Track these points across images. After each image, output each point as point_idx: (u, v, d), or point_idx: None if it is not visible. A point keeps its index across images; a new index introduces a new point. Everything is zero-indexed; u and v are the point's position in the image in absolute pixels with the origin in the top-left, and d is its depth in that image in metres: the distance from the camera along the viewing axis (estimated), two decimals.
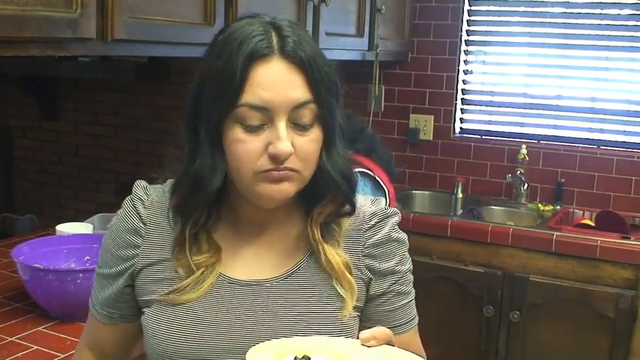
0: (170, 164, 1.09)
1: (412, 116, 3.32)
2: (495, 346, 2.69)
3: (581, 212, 3.00)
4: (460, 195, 3.11)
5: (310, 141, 0.99)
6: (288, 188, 0.99)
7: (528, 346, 2.65)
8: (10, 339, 1.55)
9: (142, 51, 1.73)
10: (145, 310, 1.06)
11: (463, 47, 3.25)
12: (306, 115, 0.98)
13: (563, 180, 3.05)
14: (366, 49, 2.78)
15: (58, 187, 3.44)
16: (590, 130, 3.08)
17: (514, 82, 3.21)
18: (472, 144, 3.24)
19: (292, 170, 0.98)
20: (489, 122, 3.28)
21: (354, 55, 2.76)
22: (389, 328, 1.09)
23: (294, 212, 1.08)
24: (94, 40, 1.44)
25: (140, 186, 1.12)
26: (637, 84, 2.98)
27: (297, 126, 0.98)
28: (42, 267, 1.64)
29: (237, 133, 0.97)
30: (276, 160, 0.96)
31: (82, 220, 2.21)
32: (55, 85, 3.34)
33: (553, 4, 3.06)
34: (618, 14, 2.97)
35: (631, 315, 2.49)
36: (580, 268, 2.55)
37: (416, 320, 1.14)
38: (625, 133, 3.02)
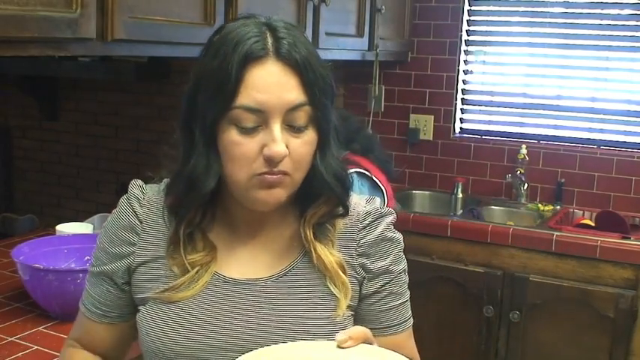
0: (166, 164, 1.09)
1: (412, 116, 3.32)
2: (495, 346, 2.69)
3: (581, 212, 3.00)
4: (460, 195, 3.12)
5: (304, 143, 0.99)
6: (280, 194, 0.99)
7: (528, 346, 2.65)
8: (10, 339, 1.55)
9: (141, 51, 1.73)
10: (140, 307, 1.06)
11: (463, 47, 3.25)
12: (301, 117, 0.98)
13: (563, 180, 3.05)
14: (366, 49, 2.78)
15: (58, 187, 3.44)
16: (590, 130, 3.08)
17: (514, 82, 3.21)
18: (472, 144, 3.24)
19: (285, 174, 0.98)
20: (489, 122, 3.28)
21: (354, 55, 2.76)
22: (381, 328, 1.10)
23: (288, 213, 1.08)
24: (94, 40, 1.44)
25: (136, 185, 1.12)
26: (637, 84, 2.98)
27: (292, 128, 0.98)
28: (42, 267, 1.64)
29: (232, 134, 0.97)
30: (271, 162, 0.96)
31: (82, 220, 2.21)
32: (55, 85, 3.34)
33: (553, 4, 3.06)
34: (618, 14, 2.97)
35: (631, 315, 2.49)
36: (580, 268, 2.55)
37: (410, 322, 1.14)
38: (625, 133, 3.02)
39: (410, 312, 1.14)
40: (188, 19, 1.75)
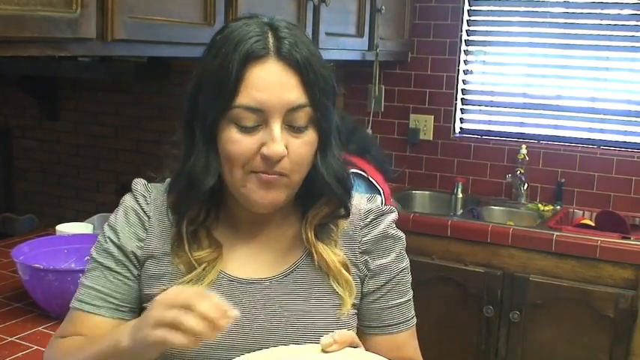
0: (168, 163, 1.10)
1: (412, 116, 3.32)
2: (495, 346, 2.69)
3: (581, 212, 3.00)
4: (460, 195, 3.12)
5: (304, 144, 0.99)
6: (276, 196, 1.00)
7: (528, 346, 2.65)
8: (10, 339, 1.55)
9: (141, 51, 1.73)
10: (145, 305, 1.06)
11: (463, 47, 3.25)
12: (301, 117, 0.98)
13: (563, 180, 3.05)
14: (366, 49, 2.78)
15: (58, 187, 3.44)
16: (590, 130, 3.08)
17: (514, 82, 3.21)
18: (472, 144, 3.24)
19: (282, 175, 0.98)
20: (489, 122, 3.28)
21: (354, 55, 2.76)
22: (382, 326, 1.10)
23: (290, 213, 1.09)
24: (94, 40, 1.44)
25: (140, 183, 1.13)
26: (637, 84, 2.98)
27: (292, 128, 0.98)
28: (42, 267, 1.64)
29: (232, 133, 0.97)
30: (269, 161, 0.96)
31: (82, 220, 2.21)
32: (55, 85, 3.34)
33: (553, 4, 3.06)
34: (618, 14, 2.97)
35: (631, 315, 2.49)
36: (580, 268, 2.55)
37: (412, 322, 1.13)
38: (625, 133, 3.02)
39: (413, 311, 1.14)
40: (188, 19, 1.75)
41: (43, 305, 1.68)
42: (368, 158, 2.09)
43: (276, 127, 0.96)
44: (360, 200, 1.12)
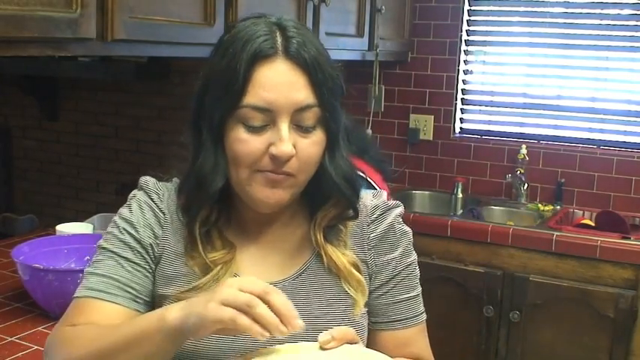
0: (175, 163, 1.09)
1: (412, 116, 3.32)
2: (495, 346, 2.69)
3: (581, 212, 3.00)
4: (460, 195, 3.11)
5: (312, 144, 0.98)
6: (282, 195, 0.99)
7: (528, 346, 2.65)
8: (10, 339, 1.55)
9: (141, 51, 1.73)
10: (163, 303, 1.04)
11: (463, 47, 3.25)
12: (310, 117, 0.97)
13: (563, 180, 3.05)
14: (366, 49, 2.78)
15: (58, 187, 3.44)
16: (590, 130, 3.08)
17: (514, 82, 3.21)
18: (472, 144, 3.24)
19: (289, 175, 0.97)
20: (489, 122, 3.28)
21: (354, 55, 2.76)
22: (389, 322, 1.09)
23: (297, 213, 1.08)
24: (94, 40, 1.44)
25: (151, 181, 1.11)
26: (637, 84, 2.98)
27: (300, 128, 0.97)
28: (42, 267, 1.64)
29: (240, 132, 0.96)
30: (277, 161, 0.96)
31: (82, 220, 2.21)
32: (55, 85, 3.34)
33: (553, 4, 3.06)
34: (618, 14, 2.97)
35: (631, 315, 2.49)
36: (580, 268, 2.55)
37: (422, 318, 1.13)
38: (625, 133, 3.02)
39: (422, 307, 1.13)
40: (188, 19, 1.75)
41: (43, 305, 1.68)
42: (366, 159, 2.09)
43: (284, 126, 0.95)
44: (366, 197, 1.11)
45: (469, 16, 3.22)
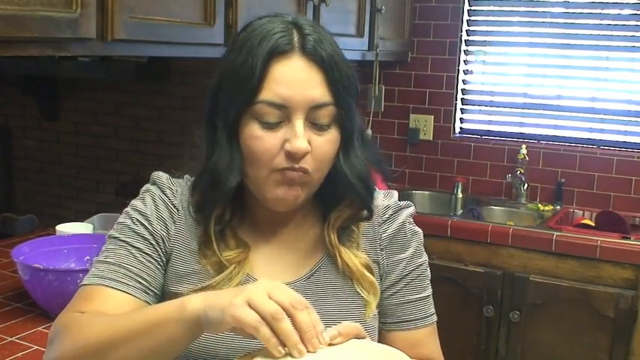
0: (185, 160, 1.08)
1: (412, 116, 3.32)
2: (495, 346, 2.69)
3: (581, 212, 3.00)
4: (460, 195, 3.12)
5: (327, 142, 0.98)
6: (298, 193, 0.99)
7: (528, 346, 2.65)
8: (10, 339, 1.55)
9: (141, 51, 1.73)
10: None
11: (463, 47, 3.25)
12: (325, 115, 0.97)
13: (563, 180, 3.05)
14: (366, 49, 2.78)
15: (58, 187, 3.45)
16: (590, 130, 3.08)
17: (514, 82, 3.21)
18: (472, 144, 3.24)
19: (305, 172, 0.97)
20: (489, 122, 3.27)
21: (354, 55, 2.76)
22: (399, 322, 1.09)
23: (309, 213, 1.08)
24: (94, 40, 1.44)
25: (164, 176, 1.10)
26: (637, 84, 2.98)
27: (315, 125, 0.97)
28: (42, 267, 1.64)
29: (254, 129, 0.96)
30: (292, 158, 0.95)
31: (82, 220, 2.21)
32: (55, 85, 3.34)
33: (553, 4, 3.06)
34: (618, 14, 2.97)
35: (631, 315, 2.49)
36: (580, 268, 2.55)
37: (432, 319, 1.13)
38: (625, 133, 3.02)
39: (432, 308, 1.13)
40: (188, 19, 1.75)
41: (43, 305, 1.68)
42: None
43: (299, 123, 0.95)
44: (378, 197, 1.11)
45: (469, 16, 3.22)
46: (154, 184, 1.09)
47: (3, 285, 1.88)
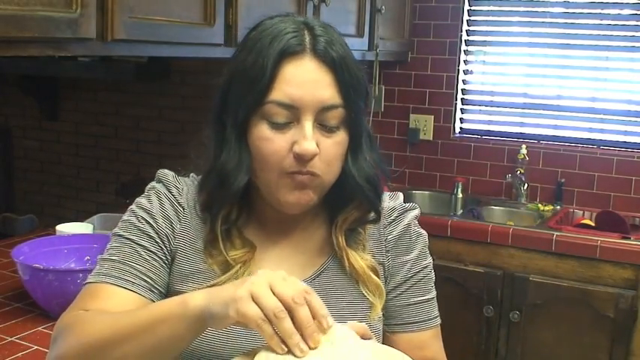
0: (192, 158, 1.08)
1: (412, 116, 3.32)
2: (495, 346, 2.69)
3: (581, 212, 3.00)
4: (460, 195, 3.12)
5: (335, 144, 0.98)
6: (311, 196, 0.98)
7: (528, 346, 2.65)
8: (10, 339, 1.55)
9: (141, 51, 1.73)
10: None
11: (463, 47, 3.25)
12: (334, 117, 0.97)
13: (563, 180, 3.05)
14: (366, 49, 2.78)
15: (58, 187, 3.45)
16: (590, 130, 3.07)
17: (514, 82, 3.21)
18: (472, 144, 3.24)
19: (314, 175, 0.97)
20: (489, 122, 3.27)
21: (354, 55, 2.76)
22: (403, 324, 1.09)
23: (317, 215, 1.08)
24: (94, 40, 1.44)
25: (170, 174, 1.10)
26: (637, 84, 2.98)
27: (324, 127, 0.97)
28: (42, 267, 1.64)
29: (263, 130, 0.96)
30: (301, 160, 0.95)
31: (82, 220, 2.21)
32: (55, 85, 3.35)
33: (553, 4, 3.06)
34: (618, 14, 2.97)
35: (631, 315, 2.49)
36: (580, 268, 2.55)
37: (436, 322, 1.13)
38: (625, 133, 3.02)
39: (436, 311, 1.13)
40: (188, 19, 1.75)
41: (43, 305, 1.68)
42: None
43: (308, 124, 0.95)
44: (383, 199, 1.11)
45: (469, 16, 3.22)
46: (159, 181, 1.09)
47: (3, 285, 1.88)
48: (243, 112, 0.97)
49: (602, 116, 3.05)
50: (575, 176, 3.05)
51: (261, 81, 0.94)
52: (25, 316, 1.68)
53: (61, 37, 1.37)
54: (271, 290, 0.79)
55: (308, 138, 0.94)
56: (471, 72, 3.28)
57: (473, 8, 3.21)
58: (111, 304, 0.97)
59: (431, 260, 1.14)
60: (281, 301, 0.78)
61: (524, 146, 3.08)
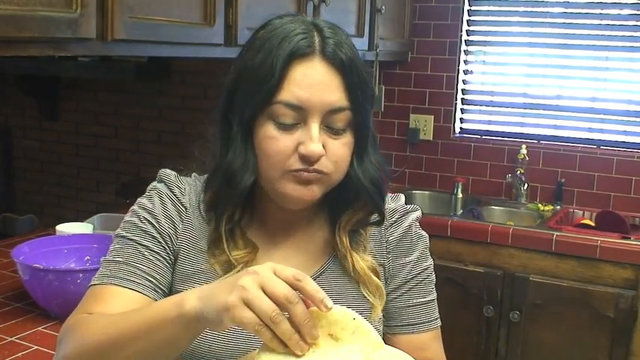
0: (195, 157, 1.07)
1: (412, 116, 3.32)
2: (495, 346, 2.69)
3: (581, 212, 3.00)
4: (460, 195, 3.12)
5: (342, 145, 0.98)
6: (315, 191, 0.98)
7: (528, 346, 2.65)
8: (10, 339, 1.55)
9: (141, 51, 1.73)
10: None
11: (463, 47, 3.25)
12: (341, 119, 0.97)
13: (563, 180, 3.05)
14: (366, 49, 2.78)
15: (58, 187, 3.45)
16: (590, 130, 3.08)
17: (514, 82, 3.21)
18: (472, 144, 3.24)
19: (321, 173, 0.97)
20: (489, 122, 3.28)
21: None
22: (403, 325, 1.09)
23: (317, 215, 1.08)
24: (94, 40, 1.45)
25: (172, 174, 1.09)
26: (637, 84, 2.98)
27: (330, 129, 0.97)
28: (42, 267, 1.64)
29: (270, 129, 0.96)
30: (306, 160, 0.95)
31: (82, 220, 2.21)
32: (55, 85, 3.35)
33: (553, 4, 3.06)
34: (618, 14, 2.97)
35: (631, 315, 2.49)
36: (580, 268, 2.55)
37: (436, 323, 1.13)
38: (625, 133, 3.02)
39: (437, 313, 1.13)
40: (188, 19, 1.75)
41: (43, 305, 1.68)
42: None
43: (315, 126, 0.95)
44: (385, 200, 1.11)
45: (469, 16, 3.22)
46: (161, 181, 1.09)
47: (3, 285, 1.88)
48: (250, 112, 0.97)
49: (602, 116, 3.05)
50: (575, 176, 3.05)
51: (270, 81, 0.94)
52: (25, 316, 1.68)
53: (61, 37, 1.37)
54: (263, 291, 0.78)
55: (314, 140, 0.95)
56: (471, 72, 3.28)
57: (473, 8, 3.21)
58: (116, 305, 0.96)
59: (431, 262, 1.14)
60: (274, 301, 0.77)
61: (524, 146, 3.08)
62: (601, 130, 3.06)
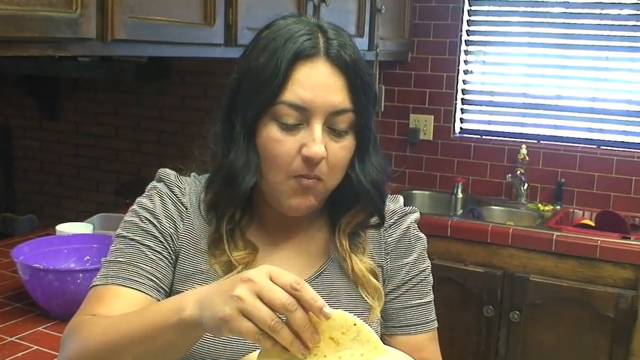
0: (195, 156, 1.07)
1: (412, 116, 3.32)
2: (495, 346, 2.69)
3: (581, 212, 3.00)
4: (460, 195, 3.12)
5: (343, 148, 0.98)
6: (312, 201, 0.99)
7: (528, 346, 2.65)
8: (10, 339, 1.55)
9: (141, 51, 1.73)
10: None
11: (463, 47, 3.25)
12: (343, 121, 0.97)
13: (563, 180, 3.05)
14: (366, 49, 2.78)
15: (58, 187, 3.45)
16: (590, 130, 3.07)
17: (514, 82, 3.21)
18: (472, 144, 3.24)
19: (319, 179, 0.97)
20: (489, 122, 3.27)
21: None
22: (400, 326, 1.09)
23: (317, 217, 1.08)
24: (94, 40, 1.44)
25: (171, 174, 1.09)
26: (637, 84, 2.98)
27: (333, 131, 0.97)
28: (42, 267, 1.64)
29: (273, 130, 0.96)
30: (309, 163, 0.95)
31: (82, 220, 2.21)
32: (54, 85, 3.35)
33: (553, 4, 3.06)
34: (618, 14, 2.97)
35: (631, 315, 2.49)
36: (580, 268, 2.55)
37: (433, 325, 1.13)
38: (625, 133, 3.02)
39: (434, 315, 1.13)
40: (188, 19, 1.75)
41: (43, 305, 1.67)
42: None
43: (318, 127, 0.95)
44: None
45: (469, 16, 3.22)
46: (160, 181, 1.08)
47: (3, 285, 1.88)
48: (253, 112, 0.97)
49: (602, 116, 3.05)
50: (575, 176, 3.05)
51: (274, 81, 0.94)
52: (25, 316, 1.68)
53: (61, 37, 1.37)
54: (260, 300, 0.76)
55: (317, 141, 0.95)
56: (471, 72, 3.28)
57: (473, 8, 3.21)
58: (119, 305, 0.96)
59: (429, 264, 1.14)
60: (272, 309, 0.76)
61: (524, 146, 3.08)
62: (601, 130, 3.06)
